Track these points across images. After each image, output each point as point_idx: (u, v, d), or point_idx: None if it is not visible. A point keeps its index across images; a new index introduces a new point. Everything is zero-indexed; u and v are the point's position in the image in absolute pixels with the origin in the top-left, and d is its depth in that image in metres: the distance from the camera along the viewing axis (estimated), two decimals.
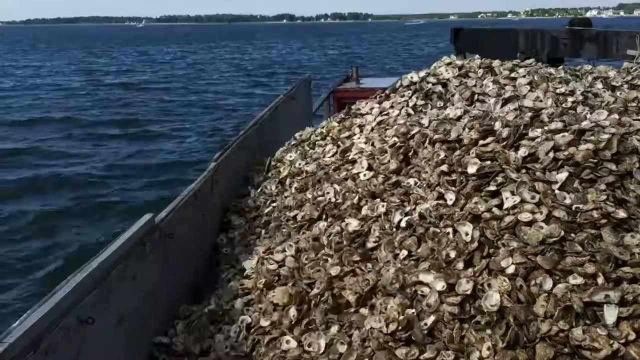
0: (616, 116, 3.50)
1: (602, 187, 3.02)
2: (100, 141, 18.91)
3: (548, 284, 2.68)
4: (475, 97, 4.43)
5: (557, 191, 3.03)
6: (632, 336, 2.47)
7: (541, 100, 4.13)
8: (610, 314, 2.52)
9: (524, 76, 4.57)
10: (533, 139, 3.40)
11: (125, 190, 13.71)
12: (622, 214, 2.88)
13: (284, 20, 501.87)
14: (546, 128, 3.46)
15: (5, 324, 2.33)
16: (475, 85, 4.63)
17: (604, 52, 10.22)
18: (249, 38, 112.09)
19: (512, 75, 4.65)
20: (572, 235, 2.83)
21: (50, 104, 27.07)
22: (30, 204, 12.80)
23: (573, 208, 2.92)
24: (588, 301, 2.56)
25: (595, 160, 3.13)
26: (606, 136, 3.21)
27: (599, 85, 4.63)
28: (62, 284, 2.63)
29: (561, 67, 5.17)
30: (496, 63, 4.95)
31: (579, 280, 2.64)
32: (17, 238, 10.90)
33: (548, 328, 2.52)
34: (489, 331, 2.62)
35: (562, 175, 3.09)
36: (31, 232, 11.20)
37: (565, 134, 3.32)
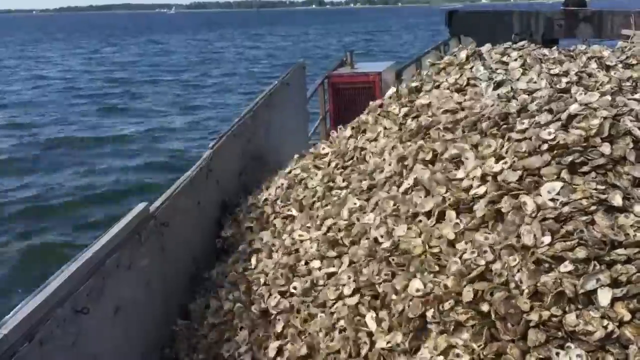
0: (608, 97, 3.45)
1: (593, 174, 2.96)
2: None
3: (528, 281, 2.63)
4: (465, 82, 4.37)
5: (542, 198, 2.91)
6: (628, 317, 2.45)
7: (535, 82, 4.10)
8: (604, 296, 2.50)
9: (516, 60, 4.53)
10: (523, 131, 3.31)
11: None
12: (617, 198, 2.82)
13: (313, 6, 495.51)
14: (534, 120, 3.35)
15: (0, 315, 2.33)
16: (462, 74, 4.52)
17: (599, 32, 10.17)
18: (274, 24, 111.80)
19: (504, 59, 4.61)
20: (563, 226, 2.76)
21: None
22: (21, 194, 12.82)
23: (559, 202, 2.83)
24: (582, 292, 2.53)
25: (585, 144, 3.06)
26: (597, 121, 3.14)
27: (594, 65, 4.57)
28: (57, 274, 2.62)
29: (555, 47, 5.14)
30: (485, 48, 4.91)
31: (570, 267, 2.60)
32: (10, 229, 10.91)
33: (537, 317, 2.50)
34: (464, 335, 2.62)
35: (550, 186, 2.93)
36: (24, 222, 11.21)
37: (552, 130, 3.18)
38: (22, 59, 49.07)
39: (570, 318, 2.46)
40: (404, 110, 4.43)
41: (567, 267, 2.61)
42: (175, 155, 16.22)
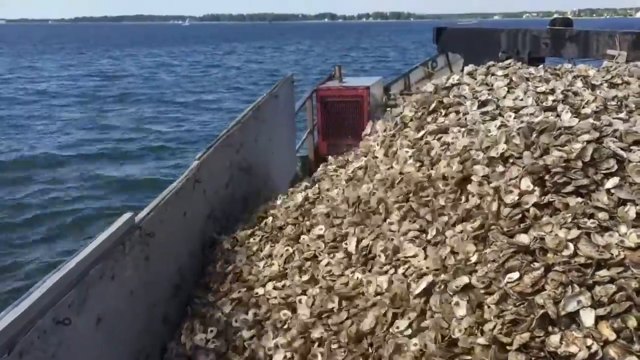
0: (590, 120, 3.44)
1: (578, 199, 2.96)
2: None
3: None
4: (449, 105, 4.39)
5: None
6: (612, 336, 2.44)
7: (522, 100, 4.14)
8: (587, 317, 2.49)
9: (502, 78, 4.57)
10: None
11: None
12: (602, 216, 2.83)
13: (325, 20, 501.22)
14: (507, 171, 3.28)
15: None
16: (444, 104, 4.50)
17: (585, 52, 10.27)
18: (284, 38, 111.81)
19: (488, 79, 4.64)
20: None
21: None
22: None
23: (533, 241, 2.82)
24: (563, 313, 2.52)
25: (565, 165, 3.05)
26: (579, 145, 3.12)
27: (579, 84, 4.64)
28: (38, 284, 2.58)
29: (541, 66, 5.20)
30: (468, 69, 4.95)
31: (544, 298, 2.58)
32: None
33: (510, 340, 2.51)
34: None
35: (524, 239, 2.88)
36: (7, 231, 11.07)
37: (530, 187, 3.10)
38: (12, 71, 48.42)
39: (554, 339, 2.45)
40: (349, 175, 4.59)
41: (542, 296, 2.58)
42: (161, 169, 16.09)
